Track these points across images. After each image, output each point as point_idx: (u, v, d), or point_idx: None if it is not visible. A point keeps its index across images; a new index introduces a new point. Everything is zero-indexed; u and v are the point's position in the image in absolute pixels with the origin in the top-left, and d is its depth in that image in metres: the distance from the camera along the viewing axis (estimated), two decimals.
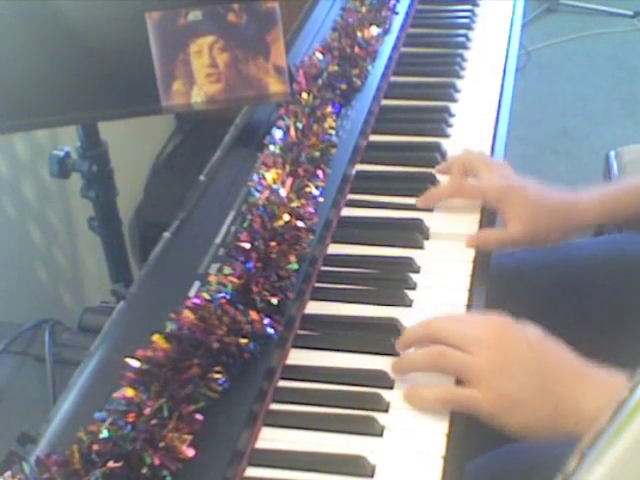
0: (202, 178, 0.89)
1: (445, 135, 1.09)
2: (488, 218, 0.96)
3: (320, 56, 1.05)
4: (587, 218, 0.96)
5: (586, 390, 0.70)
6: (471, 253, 0.90)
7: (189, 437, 0.64)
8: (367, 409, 0.72)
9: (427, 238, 0.92)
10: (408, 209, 0.97)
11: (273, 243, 0.77)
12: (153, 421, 0.63)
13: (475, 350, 0.71)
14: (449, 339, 0.73)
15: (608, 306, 1.05)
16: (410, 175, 1.02)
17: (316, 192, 0.87)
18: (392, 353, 0.77)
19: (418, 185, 0.99)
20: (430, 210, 0.96)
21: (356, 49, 1.09)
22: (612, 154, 1.53)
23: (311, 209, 0.84)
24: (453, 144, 1.07)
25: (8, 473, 0.60)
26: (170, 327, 0.69)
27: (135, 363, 0.66)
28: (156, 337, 0.68)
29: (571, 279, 1.09)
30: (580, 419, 0.69)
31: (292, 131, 0.91)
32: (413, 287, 0.85)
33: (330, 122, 0.96)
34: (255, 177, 0.85)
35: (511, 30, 1.34)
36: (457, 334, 0.73)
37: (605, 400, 0.68)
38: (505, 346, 0.72)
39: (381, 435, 0.70)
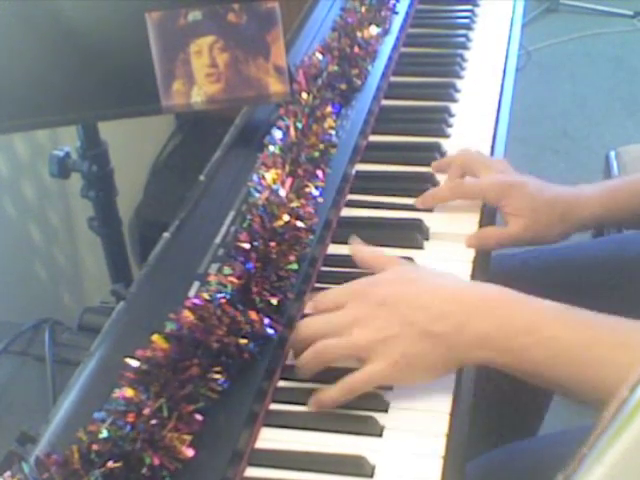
0: (202, 178, 0.89)
1: (445, 135, 1.09)
2: (488, 218, 0.96)
3: (320, 56, 1.05)
4: (587, 213, 0.95)
5: (465, 318, 0.71)
6: (471, 253, 0.90)
7: (189, 437, 0.64)
8: (367, 409, 0.72)
9: (427, 238, 0.92)
10: (408, 209, 0.97)
11: (273, 243, 0.77)
12: (153, 421, 0.63)
13: (347, 331, 0.72)
14: (320, 333, 0.74)
15: (609, 306, 1.05)
16: (410, 175, 1.02)
17: (316, 192, 0.87)
18: None
19: (418, 185, 1.00)
20: (430, 210, 0.96)
21: (356, 49, 1.09)
22: (612, 154, 1.53)
23: (311, 209, 0.84)
24: (453, 144, 1.07)
25: (8, 473, 0.60)
26: (170, 327, 0.69)
27: (135, 363, 0.66)
28: (156, 337, 0.68)
29: (572, 279, 1.09)
30: (470, 346, 0.71)
31: (292, 131, 0.91)
32: None
33: (330, 122, 0.96)
34: (255, 177, 0.85)
35: (511, 30, 1.34)
36: (322, 324, 0.74)
37: (490, 321, 0.71)
38: (376, 311, 0.73)
39: (381, 435, 0.70)
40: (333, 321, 0.74)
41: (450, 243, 0.92)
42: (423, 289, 0.75)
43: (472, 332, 0.71)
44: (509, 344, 0.70)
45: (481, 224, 0.95)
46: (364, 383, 0.72)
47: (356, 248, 0.83)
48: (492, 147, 1.07)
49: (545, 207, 0.94)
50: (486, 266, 0.90)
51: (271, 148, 0.89)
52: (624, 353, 0.68)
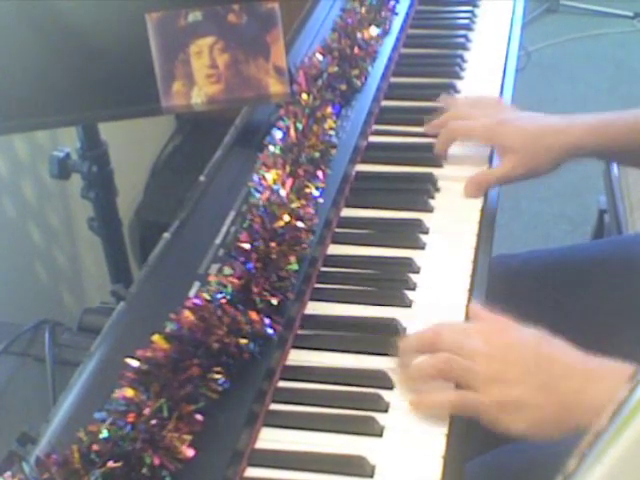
0: (202, 178, 0.90)
1: None
2: (488, 218, 0.97)
3: (320, 57, 1.05)
4: (575, 140, 0.96)
5: (589, 383, 0.69)
6: (471, 253, 0.90)
7: (189, 437, 0.64)
8: (367, 409, 0.72)
9: (427, 239, 0.92)
10: (408, 209, 0.97)
11: (273, 244, 0.77)
12: (153, 421, 0.63)
13: (476, 359, 0.72)
14: (451, 348, 0.73)
15: (609, 306, 1.05)
16: (410, 175, 1.02)
17: (316, 193, 0.87)
18: (392, 353, 0.77)
19: (418, 185, 1.00)
20: (430, 210, 0.96)
21: (356, 50, 1.09)
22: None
23: (311, 210, 0.84)
24: (453, 144, 1.07)
25: (8, 473, 0.60)
26: (170, 327, 0.69)
27: (135, 363, 0.66)
28: (156, 337, 0.68)
29: (572, 279, 1.09)
30: (585, 414, 0.68)
31: (292, 132, 0.91)
32: (413, 288, 0.85)
33: (330, 123, 0.96)
34: (255, 177, 0.85)
35: (511, 30, 1.34)
36: (456, 344, 0.73)
37: (609, 391, 0.69)
38: (504, 351, 0.72)
39: (381, 435, 0.70)
40: (465, 345, 0.73)
41: (450, 243, 0.92)
42: (546, 343, 0.74)
43: (591, 397, 0.68)
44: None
45: (481, 224, 0.95)
46: (469, 407, 0.71)
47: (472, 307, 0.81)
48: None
49: (537, 136, 0.95)
50: (486, 266, 0.90)
51: (271, 148, 0.89)
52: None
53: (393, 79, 1.21)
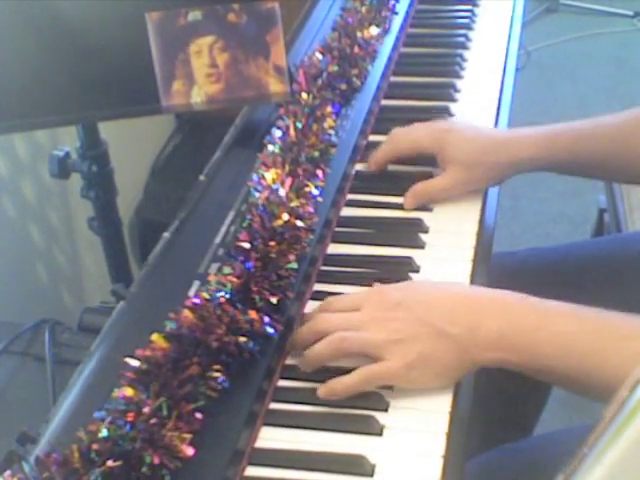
0: (202, 178, 0.90)
1: None
2: (488, 218, 0.97)
3: (320, 56, 1.05)
4: (523, 153, 0.95)
5: (478, 318, 0.73)
6: (471, 253, 0.90)
7: (189, 436, 0.64)
8: (367, 408, 0.72)
9: (427, 238, 0.92)
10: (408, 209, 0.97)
11: (273, 243, 0.77)
12: (152, 420, 0.63)
13: (370, 328, 0.73)
14: (341, 326, 0.74)
15: (609, 306, 1.05)
16: (410, 175, 1.02)
17: (316, 192, 0.87)
18: None
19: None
20: (430, 210, 0.96)
21: (356, 49, 1.09)
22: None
23: (311, 209, 0.84)
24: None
25: (8, 472, 0.60)
26: (170, 326, 0.69)
27: (135, 362, 0.66)
28: (155, 336, 0.68)
29: (572, 279, 1.09)
30: (480, 349, 0.72)
31: (292, 131, 0.91)
32: None
33: (330, 122, 0.96)
34: (255, 177, 0.85)
35: (511, 30, 1.34)
36: (345, 320, 0.75)
37: (499, 323, 0.72)
38: (392, 312, 0.74)
39: (381, 434, 0.70)
40: (352, 319, 0.75)
41: (450, 243, 0.92)
42: (435, 293, 0.77)
43: (485, 333, 0.72)
44: (521, 341, 0.72)
45: (481, 224, 0.95)
46: (380, 376, 0.73)
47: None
48: None
49: (479, 150, 0.94)
50: (486, 266, 0.90)
51: (271, 148, 0.89)
52: (629, 345, 0.69)
53: (393, 78, 1.21)
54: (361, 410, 0.72)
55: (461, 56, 1.26)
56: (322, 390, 0.73)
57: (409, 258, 0.89)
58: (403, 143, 0.99)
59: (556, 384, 0.75)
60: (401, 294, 0.76)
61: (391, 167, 1.03)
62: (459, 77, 1.22)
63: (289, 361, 0.77)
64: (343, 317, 0.76)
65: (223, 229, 0.82)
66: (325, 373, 0.75)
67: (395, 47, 1.24)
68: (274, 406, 0.73)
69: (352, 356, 0.74)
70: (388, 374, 0.72)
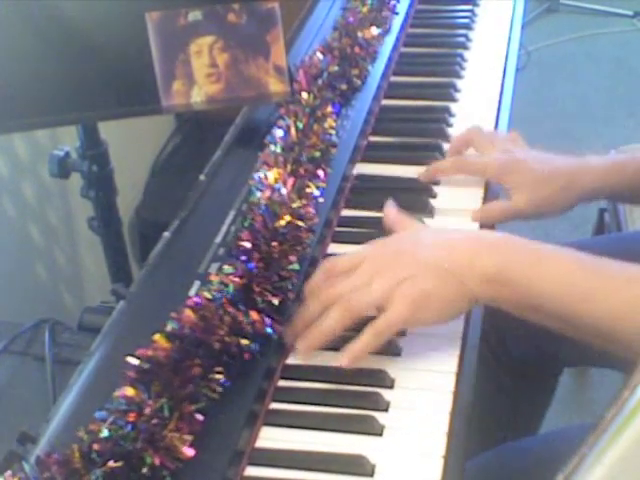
0: (202, 178, 0.90)
1: (445, 135, 1.09)
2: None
3: (320, 56, 1.05)
4: (590, 183, 0.95)
5: (476, 254, 0.75)
6: None
7: (189, 437, 0.64)
8: (367, 408, 0.72)
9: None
10: (408, 209, 0.96)
11: (275, 243, 0.77)
12: (153, 421, 0.63)
13: (372, 281, 0.75)
14: (345, 292, 0.75)
15: None
16: (410, 176, 1.02)
17: (317, 192, 0.87)
18: (394, 352, 0.77)
19: (419, 185, 1.00)
20: (431, 212, 0.96)
21: (356, 49, 1.09)
22: (612, 154, 1.52)
23: (312, 209, 0.84)
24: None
25: (8, 472, 0.60)
26: (171, 326, 0.69)
27: (135, 362, 0.66)
28: (157, 336, 0.68)
29: None
30: (480, 280, 0.74)
31: (292, 131, 0.91)
32: None
33: (330, 122, 0.96)
34: (256, 176, 0.85)
35: (511, 30, 1.34)
36: (346, 284, 0.76)
37: (499, 256, 0.74)
38: (390, 258, 0.77)
39: (381, 434, 0.70)
40: (354, 279, 0.76)
41: None
42: (434, 236, 0.80)
43: (482, 266, 0.74)
44: (517, 276, 0.73)
45: (482, 225, 0.95)
46: (388, 323, 0.74)
47: (387, 209, 0.86)
48: None
49: (547, 181, 0.94)
50: None
51: (272, 147, 0.89)
52: (628, 286, 0.71)
53: (393, 78, 1.21)
54: (361, 410, 0.72)
55: (461, 56, 1.26)
56: (343, 360, 0.73)
57: None
58: (470, 167, 0.99)
59: (543, 323, 0.75)
60: (399, 242, 0.79)
61: (391, 167, 1.03)
62: (459, 77, 1.22)
63: (289, 361, 0.77)
64: (347, 281, 0.76)
65: (223, 229, 0.82)
66: (326, 374, 0.75)
67: (395, 47, 1.24)
68: (274, 406, 0.73)
69: (362, 317, 0.75)
70: (396, 320, 0.74)
